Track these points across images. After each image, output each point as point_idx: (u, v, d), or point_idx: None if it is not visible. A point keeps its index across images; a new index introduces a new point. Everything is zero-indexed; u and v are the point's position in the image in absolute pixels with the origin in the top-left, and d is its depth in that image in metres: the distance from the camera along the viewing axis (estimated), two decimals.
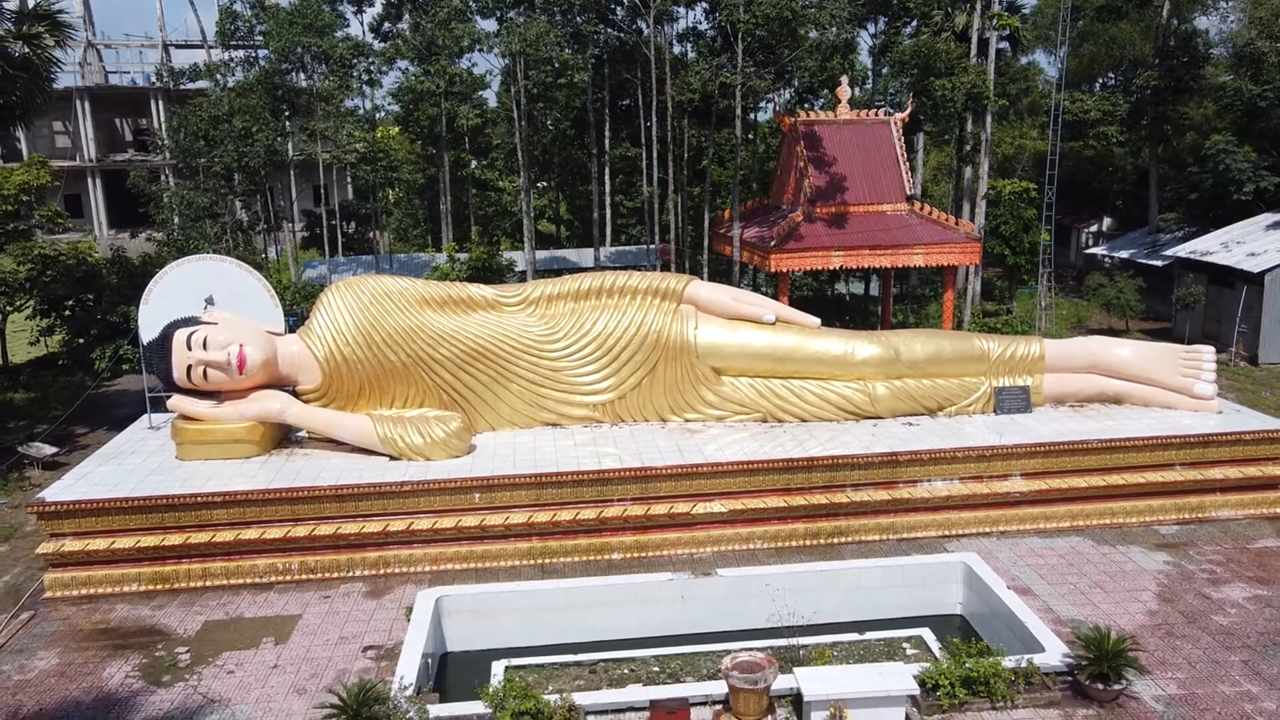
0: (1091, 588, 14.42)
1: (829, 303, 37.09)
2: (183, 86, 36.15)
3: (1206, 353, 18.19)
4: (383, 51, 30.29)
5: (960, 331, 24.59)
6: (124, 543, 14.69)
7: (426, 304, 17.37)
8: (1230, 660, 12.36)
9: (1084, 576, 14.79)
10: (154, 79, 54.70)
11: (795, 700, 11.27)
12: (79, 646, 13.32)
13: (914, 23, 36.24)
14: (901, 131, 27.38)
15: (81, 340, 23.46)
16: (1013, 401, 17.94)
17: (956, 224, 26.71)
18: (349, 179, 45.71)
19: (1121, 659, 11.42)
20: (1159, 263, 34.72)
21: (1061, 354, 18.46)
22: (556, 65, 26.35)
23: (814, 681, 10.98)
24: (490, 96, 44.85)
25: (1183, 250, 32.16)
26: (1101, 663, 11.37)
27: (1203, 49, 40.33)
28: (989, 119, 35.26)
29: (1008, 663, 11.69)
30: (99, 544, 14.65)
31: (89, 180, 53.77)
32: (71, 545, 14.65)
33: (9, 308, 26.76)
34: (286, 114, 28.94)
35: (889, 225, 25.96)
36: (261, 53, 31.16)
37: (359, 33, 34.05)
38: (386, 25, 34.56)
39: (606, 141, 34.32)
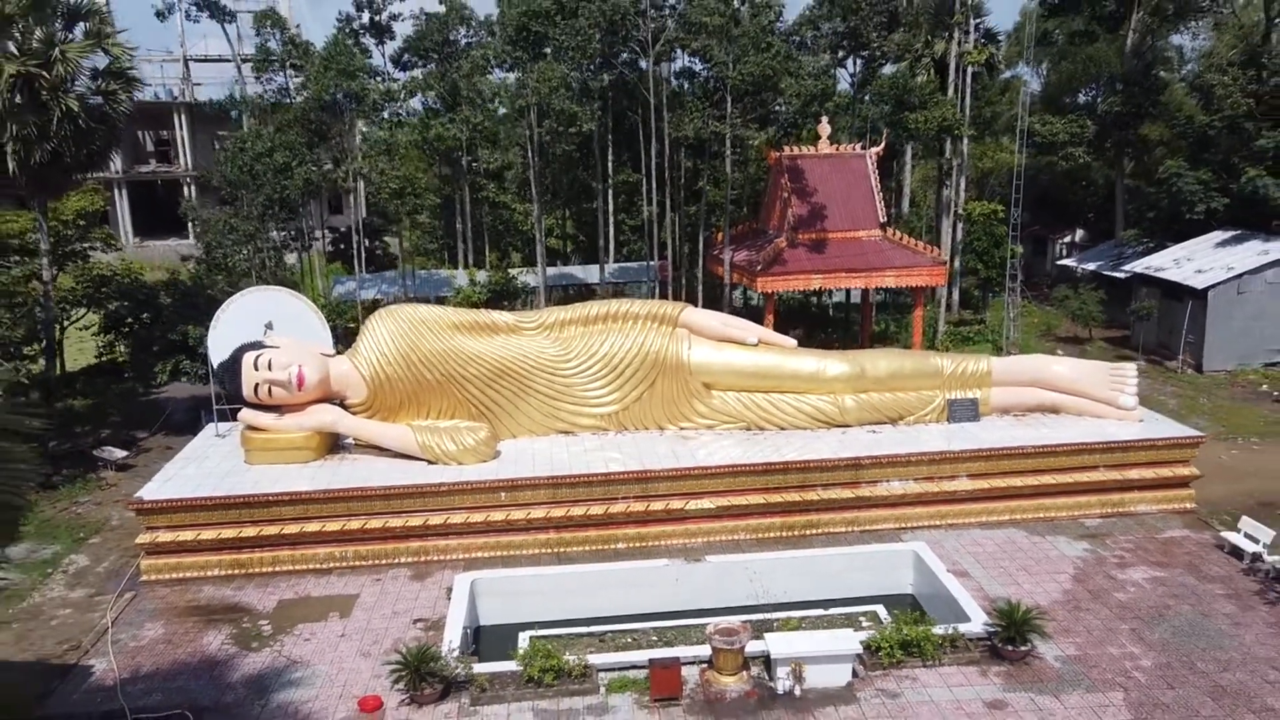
0: (1019, 571, 17.21)
1: (815, 314, 39.90)
2: (213, 101, 38.78)
3: (1129, 369, 20.93)
4: (406, 85, 32.99)
5: (918, 351, 27.34)
6: (207, 534, 17.47)
7: (457, 329, 20.11)
8: (1121, 628, 15.15)
9: (1014, 561, 17.58)
10: (176, 94, 57.53)
11: (765, 660, 14.07)
12: (178, 620, 16.11)
13: (888, 62, 38.85)
14: (877, 164, 30.07)
15: (141, 355, 26.18)
16: (963, 412, 20.68)
17: (925, 249, 29.42)
18: (364, 196, 48.41)
19: (1028, 626, 14.22)
20: (1121, 275, 37.37)
21: (1007, 370, 21.22)
22: (567, 116, 29.11)
23: (779, 644, 13.81)
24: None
25: (1139, 265, 34.87)
26: (1011, 629, 14.18)
27: (1173, 70, 42.69)
28: (965, 145, 37.92)
29: (938, 630, 14.47)
30: (187, 535, 17.43)
31: (115, 191, 56.47)
32: (164, 536, 17.42)
33: (67, 322, 29.46)
34: (319, 147, 31.62)
35: (864, 250, 28.68)
36: (295, 82, 33.87)
37: (380, 63, 36.71)
38: (407, 56, 37.28)
39: (610, 167, 37.05)
